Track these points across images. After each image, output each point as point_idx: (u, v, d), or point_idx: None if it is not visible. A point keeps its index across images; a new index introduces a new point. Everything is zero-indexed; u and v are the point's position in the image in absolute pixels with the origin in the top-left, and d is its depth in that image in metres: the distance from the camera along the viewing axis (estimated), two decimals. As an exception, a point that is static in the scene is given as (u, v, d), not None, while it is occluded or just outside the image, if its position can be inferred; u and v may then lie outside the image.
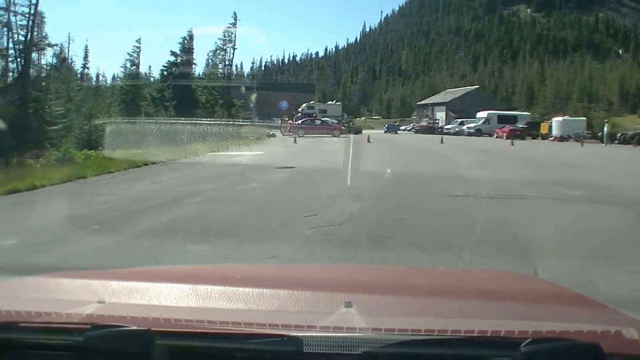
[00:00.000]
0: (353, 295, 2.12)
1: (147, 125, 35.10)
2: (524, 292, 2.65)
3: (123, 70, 51.34)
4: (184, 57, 55.05)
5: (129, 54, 50.91)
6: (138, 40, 53.70)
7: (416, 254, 7.86)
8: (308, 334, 1.64)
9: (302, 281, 2.67)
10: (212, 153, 29.58)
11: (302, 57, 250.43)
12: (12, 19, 32.27)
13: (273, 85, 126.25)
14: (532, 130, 62.14)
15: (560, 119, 62.06)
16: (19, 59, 31.98)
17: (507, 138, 54.51)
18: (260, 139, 45.59)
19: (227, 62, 65.52)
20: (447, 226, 10.05)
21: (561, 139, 55.72)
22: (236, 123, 46.83)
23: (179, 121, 36.43)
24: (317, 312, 2.01)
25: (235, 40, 64.51)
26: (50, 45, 37.21)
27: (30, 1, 32.08)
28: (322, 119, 58.14)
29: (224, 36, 64.12)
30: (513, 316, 2.06)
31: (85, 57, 65.83)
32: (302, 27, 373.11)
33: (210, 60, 64.64)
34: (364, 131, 68.21)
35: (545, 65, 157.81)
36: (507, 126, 62.17)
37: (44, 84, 33.81)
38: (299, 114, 70.18)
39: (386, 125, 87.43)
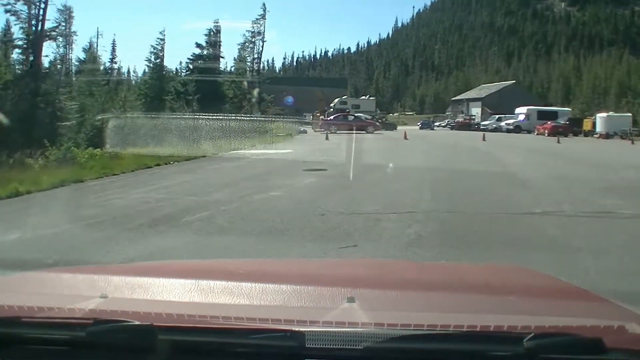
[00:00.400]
0: (355, 290, 2.12)
1: (166, 121, 32.24)
2: (527, 286, 2.56)
3: (147, 64, 48.41)
4: (210, 50, 52.00)
5: (152, 46, 47.76)
6: (162, 32, 50.49)
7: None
8: (310, 329, 1.62)
9: (304, 276, 2.62)
10: (236, 151, 26.63)
11: (334, 52, 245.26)
12: (23, 8, 29.58)
13: (304, 80, 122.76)
14: (574, 127, 58.74)
15: (604, 115, 58.68)
16: (29, 50, 29.26)
17: (548, 135, 51.94)
18: (290, 135, 42.74)
19: (255, 56, 61.96)
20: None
21: (606, 136, 52.78)
22: (265, 119, 43.90)
23: (202, 117, 33.80)
24: (319, 307, 1.99)
25: (264, 33, 61.06)
26: (62, 35, 34.23)
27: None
28: (356, 115, 54.68)
29: (253, 28, 60.58)
30: (516, 311, 2.03)
31: (113, 51, 62.68)
32: (334, 23, 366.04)
33: (238, 53, 61.21)
34: (398, 127, 64.94)
35: (581, 60, 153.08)
36: (548, 122, 58.52)
37: (62, 77, 31.04)
38: (331, 110, 66.91)
39: (421, 121, 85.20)
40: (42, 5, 29.14)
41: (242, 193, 12.92)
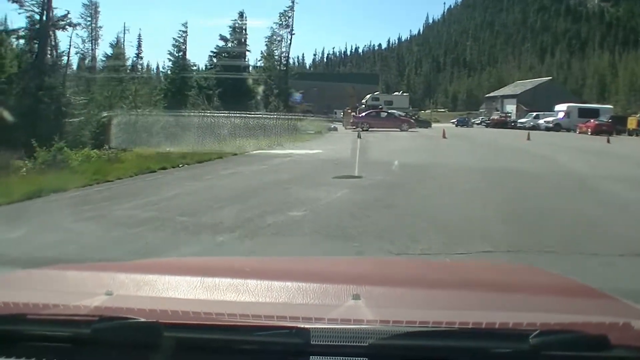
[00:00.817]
0: (361, 287, 2.07)
1: (183, 118, 29.18)
2: (532, 284, 2.53)
3: (169, 57, 45.09)
4: (235, 43, 48.49)
5: (174, 39, 44.42)
6: (184, 24, 46.75)
7: None
8: (316, 326, 1.60)
9: (309, 274, 2.56)
10: (258, 152, 23.45)
11: (365, 48, 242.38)
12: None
13: (334, 76, 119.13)
14: (617, 125, 54.21)
15: (655, 112, 54.44)
16: (34, 41, 26.29)
17: (591, 134, 48.55)
18: (320, 133, 39.79)
19: (283, 49, 57.78)
20: None
21: (656, 135, 48.67)
22: (293, 116, 40.78)
23: (223, 114, 30.79)
24: (324, 304, 1.97)
25: (292, 25, 57.11)
26: (71, 24, 31.00)
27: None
28: (389, 111, 51.18)
29: (280, 20, 56.71)
30: (521, 308, 1.99)
31: (139, 46, 59.21)
32: (365, 19, 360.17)
33: (265, 47, 57.38)
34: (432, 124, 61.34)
35: (616, 56, 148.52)
36: (591, 120, 54.55)
37: (68, 70, 28.04)
38: (363, 106, 63.38)
39: (456, 118, 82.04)
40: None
41: (253, 213, 9.60)
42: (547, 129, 59.24)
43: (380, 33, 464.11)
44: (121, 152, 18.72)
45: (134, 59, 56.24)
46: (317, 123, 44.94)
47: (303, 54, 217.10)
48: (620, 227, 8.84)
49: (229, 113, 30.27)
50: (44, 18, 26.28)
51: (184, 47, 43.60)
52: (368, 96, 75.14)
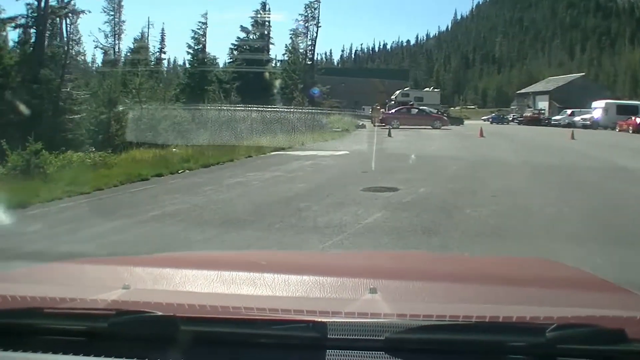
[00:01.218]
0: (377, 281, 2.03)
1: (200, 114, 26.12)
2: (549, 278, 2.46)
3: (189, 51, 41.69)
4: (257, 34, 45.11)
5: (193, 31, 40.94)
6: (204, 15, 42.84)
7: None
8: (333, 320, 1.56)
9: (326, 267, 2.55)
10: (276, 153, 20.29)
11: (393, 45, 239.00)
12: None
13: (363, 72, 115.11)
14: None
15: None
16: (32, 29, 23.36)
17: (633, 132, 44.68)
18: (347, 131, 36.65)
19: (309, 42, 53.97)
20: None
21: None
22: (319, 111, 37.66)
23: (242, 108, 27.83)
24: (341, 298, 1.95)
25: (319, 18, 53.44)
26: (75, 12, 27.99)
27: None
28: (420, 108, 47.74)
29: (306, 11, 53.09)
30: (538, 302, 1.94)
31: (162, 41, 56.00)
32: (393, 15, 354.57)
33: (290, 39, 53.70)
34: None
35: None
36: (632, 118, 50.90)
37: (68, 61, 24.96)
38: (392, 102, 60.00)
39: (491, 115, 78.75)
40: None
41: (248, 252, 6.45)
42: (584, 126, 55.69)
43: (409, 29, 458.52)
44: (110, 156, 15.68)
45: (156, 53, 53.66)
46: (345, 119, 42.09)
47: (331, 50, 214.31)
48: None
49: (248, 107, 27.31)
50: (42, 5, 23.26)
51: (203, 39, 40.40)
52: (397, 92, 71.69)
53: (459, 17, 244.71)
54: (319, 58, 78.67)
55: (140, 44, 51.43)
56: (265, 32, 46.30)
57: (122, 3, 61.51)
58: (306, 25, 52.39)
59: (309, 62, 52.56)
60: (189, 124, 24.20)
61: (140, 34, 54.80)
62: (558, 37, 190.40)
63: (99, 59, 57.05)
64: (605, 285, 2.39)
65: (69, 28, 29.48)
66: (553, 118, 65.85)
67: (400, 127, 38.53)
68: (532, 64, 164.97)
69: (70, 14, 26.60)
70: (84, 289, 1.94)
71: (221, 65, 43.86)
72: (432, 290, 2.09)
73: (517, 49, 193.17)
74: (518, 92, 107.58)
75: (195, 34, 40.55)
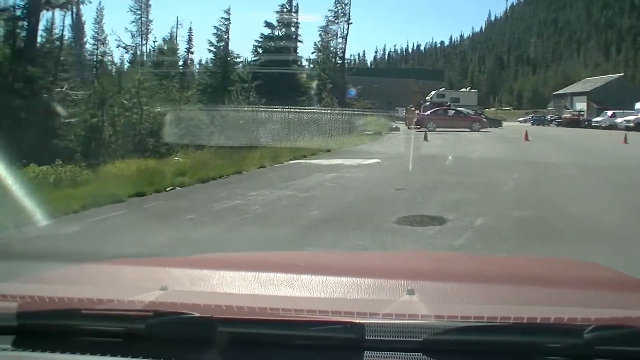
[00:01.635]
0: (415, 282, 1.99)
1: (219, 115, 23.13)
2: (586, 279, 2.40)
3: (210, 48, 38.49)
4: (283, 30, 41.84)
5: (215, 27, 37.71)
6: (227, 11, 39.26)
7: None
8: (370, 321, 1.54)
9: (364, 268, 2.47)
10: (298, 161, 17.20)
11: (427, 46, 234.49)
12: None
13: (396, 72, 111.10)
14: None
15: None
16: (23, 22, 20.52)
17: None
18: (380, 134, 33.50)
19: (339, 40, 50.84)
20: None
21: None
22: (349, 113, 34.51)
23: (264, 109, 24.85)
24: (379, 299, 1.91)
25: (349, 14, 50.36)
26: (71, 2, 25.21)
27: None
28: (457, 109, 44.35)
29: (335, 7, 50.10)
30: (576, 303, 1.90)
31: (189, 41, 52.98)
32: (427, 16, 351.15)
33: (319, 37, 50.30)
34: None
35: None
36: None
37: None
38: (428, 103, 56.48)
39: (531, 116, 76.73)
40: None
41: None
42: (627, 128, 51.88)
43: (442, 30, 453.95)
44: (83, 170, 12.60)
45: (184, 54, 51.00)
46: (378, 121, 38.93)
47: (364, 51, 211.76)
48: None
49: (269, 108, 24.35)
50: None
51: (226, 37, 37.04)
52: (433, 93, 67.96)
53: (492, 18, 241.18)
54: (351, 59, 75.13)
55: (170, 44, 49.10)
56: (292, 29, 42.99)
57: (150, 2, 59.49)
58: (336, 21, 49.26)
59: (339, 61, 49.28)
60: (207, 127, 21.23)
61: (169, 34, 53.67)
62: (593, 37, 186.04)
63: (126, 60, 54.62)
64: None
65: (82, 24, 26.89)
66: (593, 119, 62.21)
67: (437, 129, 35.48)
68: (567, 65, 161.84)
69: (68, 5, 23.85)
70: (121, 290, 1.90)
71: (244, 63, 40.79)
72: (469, 292, 2.02)
73: (552, 49, 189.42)
74: (555, 93, 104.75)
75: (217, 30, 37.37)
